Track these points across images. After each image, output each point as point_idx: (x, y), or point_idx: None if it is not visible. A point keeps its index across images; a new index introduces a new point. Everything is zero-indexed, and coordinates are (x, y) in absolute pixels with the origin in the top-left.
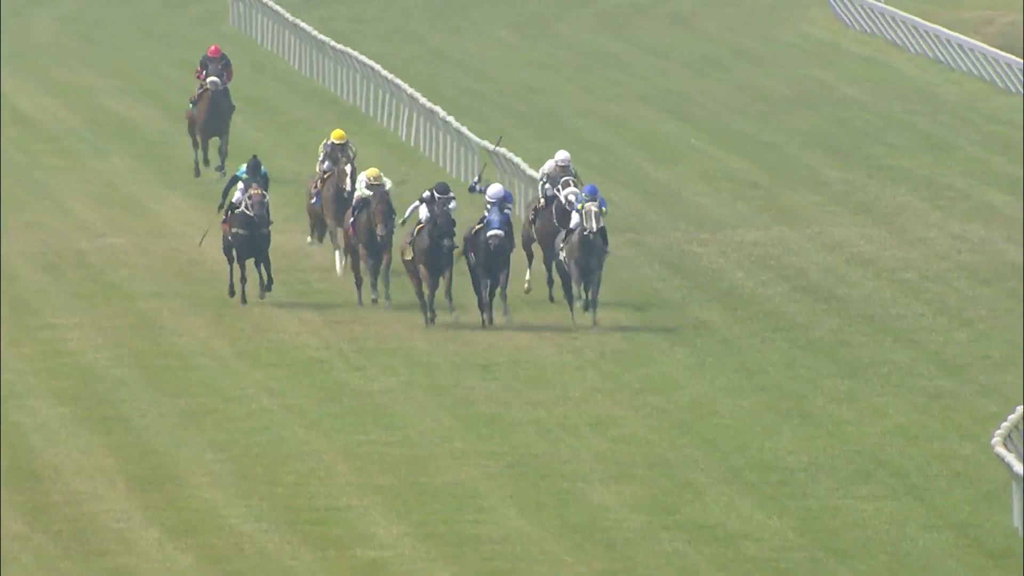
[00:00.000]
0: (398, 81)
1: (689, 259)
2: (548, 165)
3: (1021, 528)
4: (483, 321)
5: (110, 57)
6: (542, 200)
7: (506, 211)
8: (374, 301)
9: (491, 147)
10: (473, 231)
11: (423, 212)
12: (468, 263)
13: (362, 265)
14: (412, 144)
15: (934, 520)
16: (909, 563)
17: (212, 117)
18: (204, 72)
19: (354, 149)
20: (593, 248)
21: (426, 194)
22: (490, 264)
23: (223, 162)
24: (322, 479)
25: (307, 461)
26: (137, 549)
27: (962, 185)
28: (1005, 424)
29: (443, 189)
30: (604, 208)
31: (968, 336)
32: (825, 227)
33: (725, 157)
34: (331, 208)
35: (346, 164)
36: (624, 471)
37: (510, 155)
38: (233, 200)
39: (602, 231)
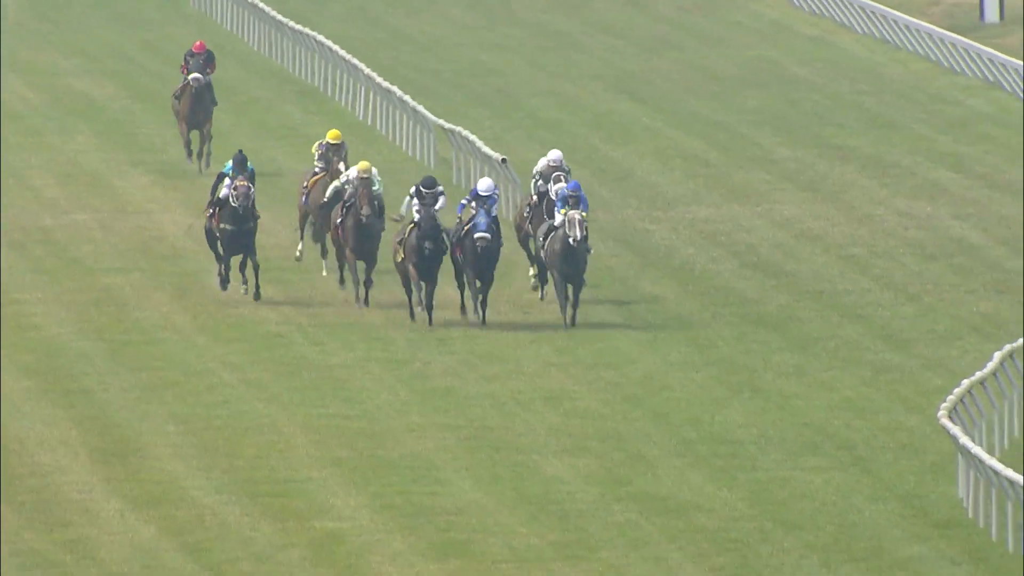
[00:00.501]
0: (355, 61)
1: (641, 236)
2: (540, 163)
3: (965, 499)
4: (465, 316)
5: (74, 37)
6: (534, 196)
7: (494, 212)
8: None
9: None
10: (463, 232)
11: (416, 209)
12: (455, 263)
13: (348, 265)
14: (369, 123)
15: (880, 491)
16: (856, 533)
17: (195, 111)
18: (187, 67)
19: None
20: (577, 255)
21: (414, 189)
22: (478, 266)
23: (206, 163)
24: (281, 452)
25: (267, 434)
26: (99, 520)
27: (908, 163)
28: (951, 397)
29: (429, 184)
30: (586, 212)
31: (914, 311)
32: (775, 204)
33: (677, 136)
34: (319, 207)
35: (339, 163)
36: (577, 444)
37: (466, 133)
38: (220, 195)
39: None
